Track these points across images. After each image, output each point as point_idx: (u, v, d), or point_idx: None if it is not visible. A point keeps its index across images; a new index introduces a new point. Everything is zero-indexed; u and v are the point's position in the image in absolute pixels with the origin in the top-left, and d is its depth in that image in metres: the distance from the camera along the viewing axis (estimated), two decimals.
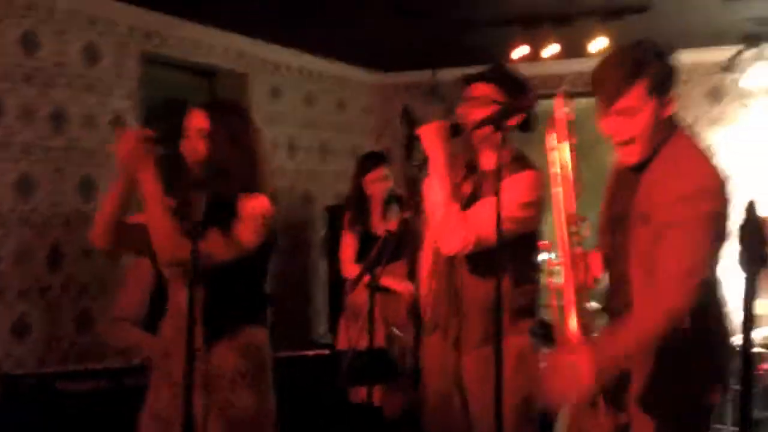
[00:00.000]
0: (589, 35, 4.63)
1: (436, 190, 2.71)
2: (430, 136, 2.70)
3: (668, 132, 2.22)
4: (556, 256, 2.30)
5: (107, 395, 3.09)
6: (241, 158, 2.56)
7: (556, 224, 2.27)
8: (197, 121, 2.57)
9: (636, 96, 2.14)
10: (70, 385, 3.00)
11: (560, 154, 2.27)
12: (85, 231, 4.37)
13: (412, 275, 3.97)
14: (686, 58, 5.70)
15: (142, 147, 2.45)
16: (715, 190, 2.14)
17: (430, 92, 6.22)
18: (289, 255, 5.99)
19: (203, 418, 2.43)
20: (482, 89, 2.82)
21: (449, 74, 5.98)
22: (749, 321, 1.48)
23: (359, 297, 4.26)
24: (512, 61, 4.86)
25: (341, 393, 3.96)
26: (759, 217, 1.55)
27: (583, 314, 2.19)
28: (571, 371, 2.03)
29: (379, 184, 4.45)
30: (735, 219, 1.57)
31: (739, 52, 5.41)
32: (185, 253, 2.32)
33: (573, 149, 2.26)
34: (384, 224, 4.24)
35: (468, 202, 2.75)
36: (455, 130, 2.74)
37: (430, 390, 3.06)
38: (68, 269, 4.44)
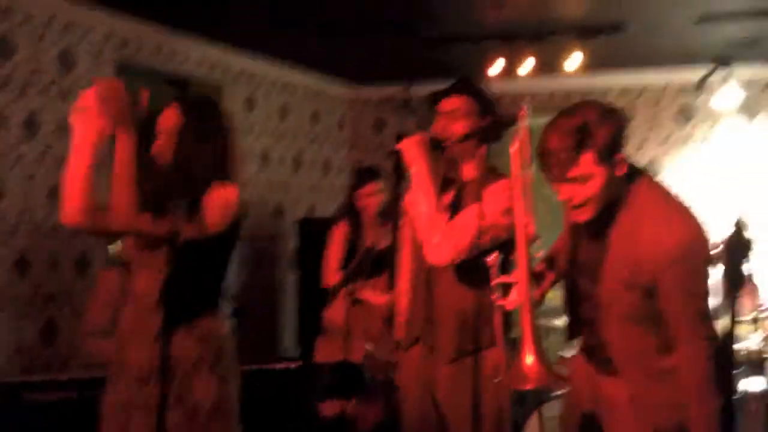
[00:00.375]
0: (565, 52, 4.68)
1: (421, 202, 2.72)
2: (412, 150, 2.71)
3: (628, 183, 2.23)
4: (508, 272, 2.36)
5: (73, 406, 3.03)
6: (210, 152, 2.53)
7: (517, 241, 2.28)
8: (169, 119, 2.56)
9: (586, 164, 2.14)
10: (36, 396, 2.94)
11: (522, 170, 2.30)
12: (54, 240, 4.38)
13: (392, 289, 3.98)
14: (658, 78, 5.83)
15: (127, 101, 2.38)
16: (701, 240, 2.18)
17: (404, 106, 6.25)
18: (258, 267, 5.96)
19: (160, 407, 2.40)
20: (455, 103, 2.84)
21: (423, 89, 6.00)
22: (731, 337, 1.49)
23: (337, 312, 4.25)
24: (488, 77, 4.90)
25: (311, 407, 3.93)
26: (745, 235, 1.57)
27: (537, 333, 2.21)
28: None
29: (373, 198, 4.44)
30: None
31: (710, 73, 5.50)
32: (141, 225, 2.36)
33: (531, 165, 2.27)
34: (375, 239, 4.24)
35: (451, 214, 2.77)
36: (434, 144, 2.75)
37: (407, 403, 3.06)
38: (35, 278, 4.37)
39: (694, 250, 2.15)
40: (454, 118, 2.81)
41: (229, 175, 2.58)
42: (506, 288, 2.39)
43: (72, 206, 2.38)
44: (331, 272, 4.38)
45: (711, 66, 5.43)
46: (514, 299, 2.35)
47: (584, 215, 2.24)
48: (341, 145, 6.77)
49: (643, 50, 5.05)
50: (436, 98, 2.94)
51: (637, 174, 2.25)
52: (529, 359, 2.15)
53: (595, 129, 2.13)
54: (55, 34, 4.51)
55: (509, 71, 4.90)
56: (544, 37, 4.60)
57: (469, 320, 2.77)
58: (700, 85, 5.63)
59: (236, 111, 5.77)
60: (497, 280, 2.34)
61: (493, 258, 2.39)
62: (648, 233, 2.17)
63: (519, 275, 2.29)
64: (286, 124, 6.23)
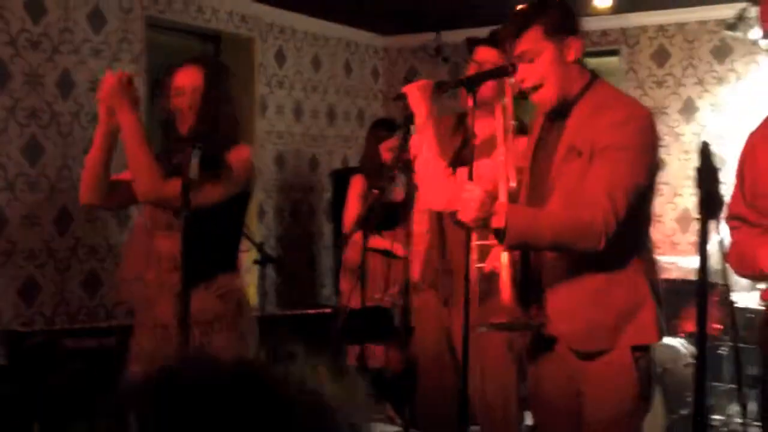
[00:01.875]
0: None
1: (423, 147, 2.75)
2: (415, 95, 2.73)
3: (586, 79, 2.29)
4: None
5: (111, 352, 3.16)
6: (230, 115, 2.63)
7: (499, 195, 2.31)
8: (192, 77, 2.63)
9: (531, 39, 2.21)
10: (74, 342, 3.08)
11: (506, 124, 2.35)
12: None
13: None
14: (692, 15, 5.71)
15: (122, 87, 2.53)
16: (645, 117, 2.24)
17: (435, 54, 6.22)
18: (295, 218, 6.05)
19: None
20: (485, 54, 2.85)
21: (455, 36, 5.98)
22: (704, 265, 1.50)
23: (353, 254, 4.33)
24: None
25: (337, 353, 4.02)
26: (713, 160, 1.58)
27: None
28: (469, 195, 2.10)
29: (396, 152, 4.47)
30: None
31: (747, 8, 5.36)
32: (169, 192, 2.45)
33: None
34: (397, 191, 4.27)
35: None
36: (441, 88, 2.76)
37: (422, 347, 3.13)
38: (76, 232, 4.52)
39: (636, 123, 2.20)
40: (482, 69, 2.82)
41: (241, 138, 2.72)
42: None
43: (84, 188, 2.66)
44: (349, 222, 4.46)
45: (747, 2, 5.29)
46: (491, 263, 2.37)
47: (545, 100, 2.27)
48: (374, 96, 6.79)
49: None
50: (470, 45, 2.96)
51: (598, 78, 2.32)
52: (505, 295, 2.20)
53: (543, 8, 2.25)
54: None
55: None
56: None
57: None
58: (737, 21, 5.49)
59: (268, 64, 5.82)
60: (476, 242, 2.35)
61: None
62: (600, 107, 2.23)
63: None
64: (319, 76, 6.26)
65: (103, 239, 4.65)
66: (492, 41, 2.83)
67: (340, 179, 5.51)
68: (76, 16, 4.55)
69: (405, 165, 4.43)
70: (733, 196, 2.45)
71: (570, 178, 2.21)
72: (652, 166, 2.24)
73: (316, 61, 6.24)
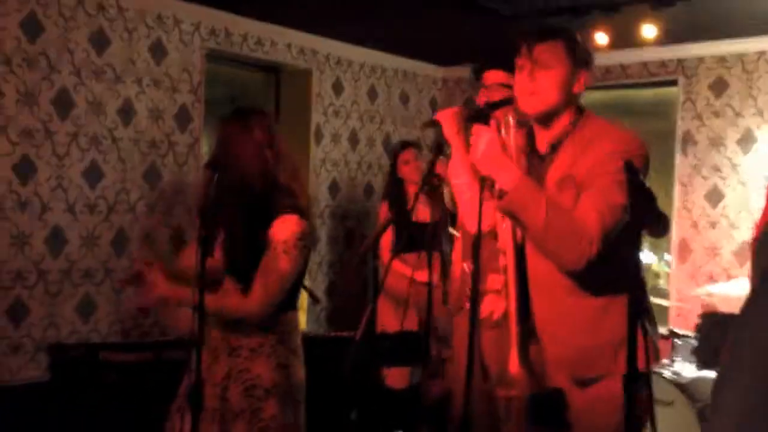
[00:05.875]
0: (637, 23, 4.62)
1: (458, 173, 2.80)
2: (448, 121, 2.80)
3: (577, 113, 2.30)
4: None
5: (149, 366, 3.29)
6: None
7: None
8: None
9: (552, 49, 2.24)
10: (114, 356, 3.22)
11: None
12: (148, 217, 4.71)
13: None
14: (751, 45, 5.63)
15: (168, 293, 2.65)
16: (639, 146, 2.22)
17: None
18: (349, 246, 6.16)
19: (226, 380, 2.63)
20: (494, 76, 2.90)
21: None
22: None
23: (392, 281, 4.39)
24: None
25: (376, 375, 4.08)
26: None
27: None
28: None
29: (411, 165, 4.53)
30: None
31: None
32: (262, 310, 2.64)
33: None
34: (423, 208, 4.31)
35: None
36: (477, 115, 2.82)
37: (458, 367, 3.17)
38: (133, 254, 4.72)
39: (631, 145, 2.20)
40: (490, 92, 2.87)
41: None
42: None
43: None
44: (385, 250, 4.52)
45: None
46: (487, 308, 2.41)
47: (531, 103, 2.28)
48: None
49: (736, 17, 4.88)
50: (476, 74, 3.01)
51: (587, 111, 2.33)
52: (513, 367, 2.23)
53: (569, 31, 2.29)
54: (147, 26, 4.83)
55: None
56: (618, 7, 4.55)
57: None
58: None
59: (325, 94, 5.98)
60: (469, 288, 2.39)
61: (467, 266, 2.47)
62: (597, 144, 2.22)
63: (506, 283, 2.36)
64: (375, 106, 6.39)
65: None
66: (496, 62, 2.88)
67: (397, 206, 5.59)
68: (139, 48, 4.79)
69: (432, 189, 4.51)
70: None
71: (568, 204, 2.24)
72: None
73: (373, 92, 6.37)
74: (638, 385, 2.21)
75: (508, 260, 2.34)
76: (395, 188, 4.59)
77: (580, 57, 2.29)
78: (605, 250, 2.12)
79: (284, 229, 2.62)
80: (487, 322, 2.91)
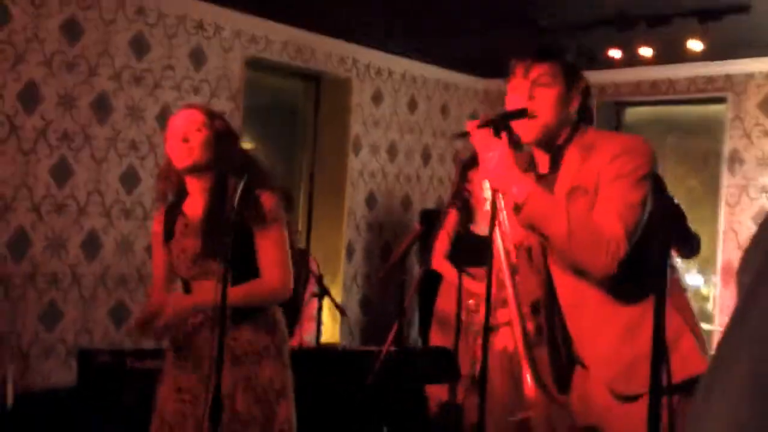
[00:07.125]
0: (685, 38, 4.50)
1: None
2: (478, 132, 2.74)
3: (573, 129, 2.28)
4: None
5: None
6: None
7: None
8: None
9: (550, 69, 2.24)
10: (140, 363, 3.18)
11: None
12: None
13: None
14: None
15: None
16: (642, 143, 2.20)
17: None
18: (384, 258, 6.08)
19: (232, 390, 2.56)
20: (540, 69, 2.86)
21: None
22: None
23: (446, 302, 4.28)
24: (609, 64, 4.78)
25: (417, 390, 4.00)
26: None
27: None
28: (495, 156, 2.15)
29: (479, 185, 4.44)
30: None
31: None
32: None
33: None
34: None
35: None
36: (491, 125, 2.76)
37: (492, 385, 3.10)
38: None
39: (637, 146, 2.18)
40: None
41: None
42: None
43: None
44: (439, 256, 4.42)
45: None
46: (501, 342, 2.38)
47: (531, 125, 2.24)
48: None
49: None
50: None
51: (578, 124, 2.30)
52: (528, 390, 2.17)
53: (564, 53, 2.32)
54: (187, 32, 4.83)
55: (628, 59, 4.77)
56: (666, 20, 4.44)
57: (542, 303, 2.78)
58: None
59: (365, 104, 5.93)
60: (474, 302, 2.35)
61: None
62: (599, 150, 2.20)
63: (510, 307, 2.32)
64: (415, 117, 6.33)
65: None
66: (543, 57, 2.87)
67: (429, 219, 5.51)
68: (179, 54, 4.78)
69: (463, 203, 4.43)
70: None
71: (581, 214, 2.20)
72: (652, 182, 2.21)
73: (413, 103, 6.31)
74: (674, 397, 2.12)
75: (506, 281, 2.28)
76: (464, 204, 4.47)
77: (576, 78, 2.30)
78: (633, 253, 2.06)
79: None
80: (504, 354, 2.85)
